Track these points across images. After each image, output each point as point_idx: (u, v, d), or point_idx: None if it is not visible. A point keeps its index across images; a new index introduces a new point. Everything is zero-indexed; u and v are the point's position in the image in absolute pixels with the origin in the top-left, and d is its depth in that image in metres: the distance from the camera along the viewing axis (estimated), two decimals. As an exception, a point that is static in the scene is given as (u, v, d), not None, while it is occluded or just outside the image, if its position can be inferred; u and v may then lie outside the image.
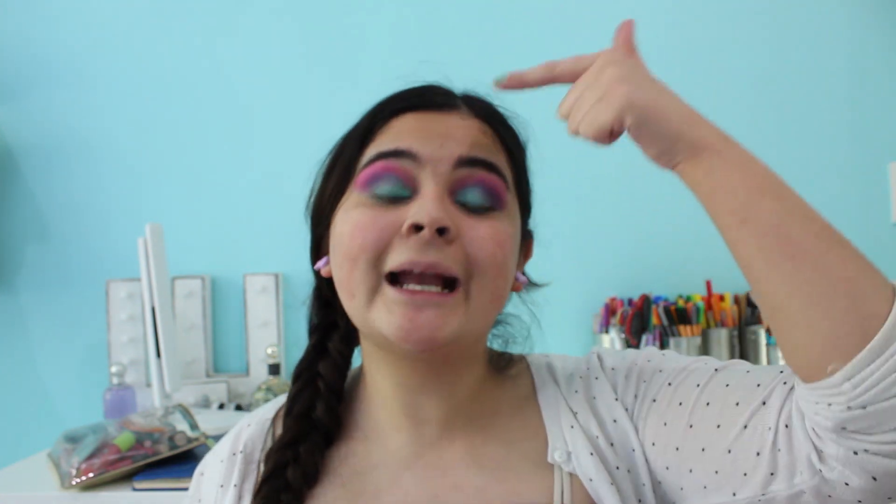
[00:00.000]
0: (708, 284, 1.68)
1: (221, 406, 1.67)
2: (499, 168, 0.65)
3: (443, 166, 0.63)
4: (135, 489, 1.16)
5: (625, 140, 0.61)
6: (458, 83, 0.72)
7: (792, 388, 0.55)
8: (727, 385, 0.60)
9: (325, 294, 0.72)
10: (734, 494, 0.57)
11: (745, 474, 0.56)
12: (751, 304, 1.65)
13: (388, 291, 0.60)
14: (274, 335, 1.73)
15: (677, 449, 0.61)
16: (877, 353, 0.49)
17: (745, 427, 0.56)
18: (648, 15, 1.76)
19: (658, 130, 0.57)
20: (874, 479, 0.50)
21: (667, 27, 1.76)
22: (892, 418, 0.49)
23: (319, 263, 0.69)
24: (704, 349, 1.63)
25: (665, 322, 1.56)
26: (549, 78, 0.62)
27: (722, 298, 1.66)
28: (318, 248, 0.71)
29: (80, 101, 1.80)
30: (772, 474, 0.54)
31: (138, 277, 1.50)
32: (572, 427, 0.66)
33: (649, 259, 1.74)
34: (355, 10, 1.78)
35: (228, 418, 1.52)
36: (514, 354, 0.75)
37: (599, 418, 0.66)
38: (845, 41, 1.75)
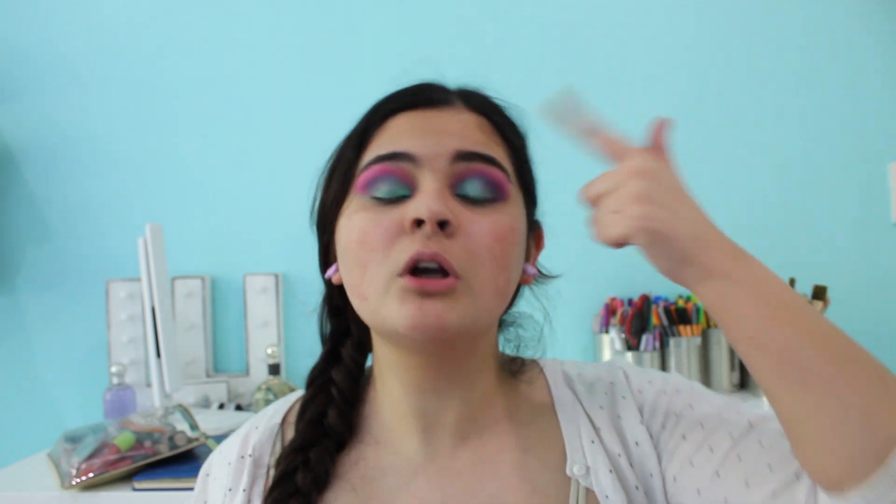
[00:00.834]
0: (708, 284, 1.68)
1: (221, 406, 1.67)
2: (497, 160, 0.64)
3: (440, 162, 0.62)
4: (135, 489, 1.16)
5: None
6: (459, 82, 0.71)
7: None
8: (761, 444, 0.60)
9: (336, 302, 0.72)
10: None
11: None
12: (751, 304, 1.65)
13: (400, 283, 0.60)
14: (274, 335, 1.73)
15: (699, 492, 0.61)
16: (893, 475, 0.50)
17: (775, 495, 0.57)
18: (648, 15, 1.77)
19: (668, 253, 0.58)
20: None
21: (666, 27, 1.76)
22: None
23: (329, 272, 0.69)
24: (704, 349, 1.63)
25: (665, 322, 1.56)
26: (588, 137, 0.64)
27: (722, 298, 1.66)
28: (326, 255, 0.71)
29: (81, 102, 1.80)
30: None
31: (138, 277, 1.50)
32: (593, 442, 0.65)
33: (649, 259, 1.74)
34: (355, 9, 1.78)
35: (228, 418, 1.52)
36: (527, 359, 0.74)
37: (623, 438, 0.66)
38: (845, 41, 1.75)
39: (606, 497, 0.62)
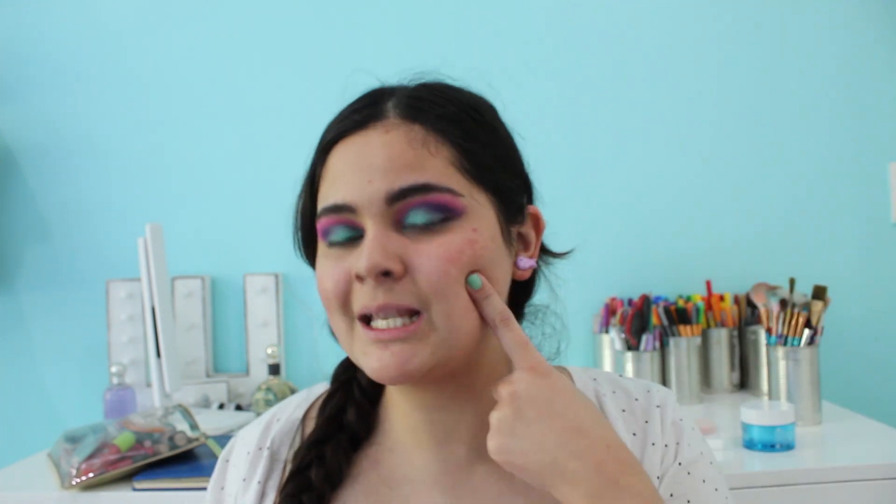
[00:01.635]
0: (708, 284, 1.68)
1: (221, 406, 1.67)
2: (434, 184, 0.61)
3: (376, 207, 0.61)
4: (135, 489, 1.16)
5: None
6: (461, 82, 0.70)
7: None
8: None
9: None
10: None
11: None
12: (750, 304, 1.65)
13: (360, 332, 0.62)
14: (274, 335, 1.73)
15: None
16: None
17: None
18: (648, 15, 1.76)
19: (530, 480, 0.58)
20: None
21: (666, 27, 1.76)
22: None
23: None
24: (704, 349, 1.63)
25: (665, 322, 1.56)
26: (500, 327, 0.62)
27: (722, 298, 1.67)
28: None
29: (80, 102, 1.80)
30: None
31: (138, 277, 1.50)
32: None
33: (649, 259, 1.74)
34: (355, 9, 1.78)
35: (228, 418, 1.53)
36: (555, 367, 0.72)
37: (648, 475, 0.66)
38: (845, 41, 1.75)
39: None
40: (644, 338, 1.52)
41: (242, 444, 0.73)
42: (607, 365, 1.63)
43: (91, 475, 1.16)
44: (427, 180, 0.61)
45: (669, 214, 1.74)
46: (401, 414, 0.68)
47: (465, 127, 0.64)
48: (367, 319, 0.61)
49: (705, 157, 1.75)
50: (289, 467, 0.69)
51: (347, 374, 0.72)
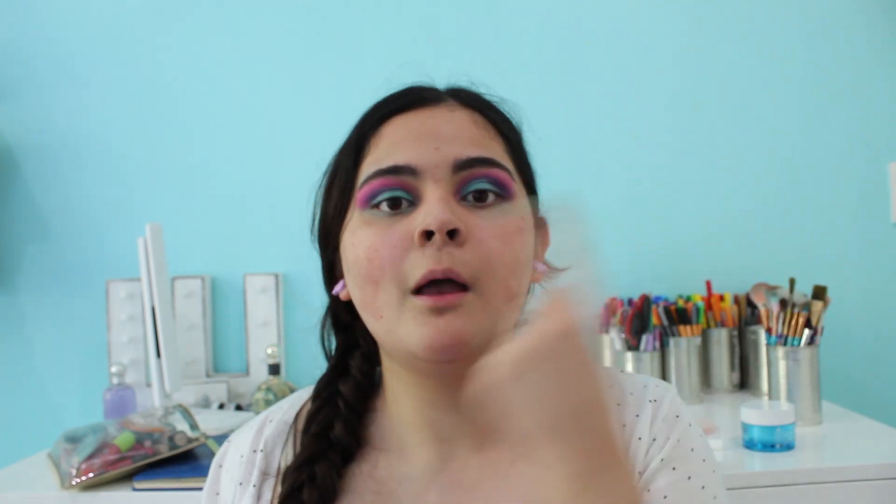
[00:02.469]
0: (708, 284, 1.68)
1: (221, 406, 1.67)
2: (498, 160, 0.63)
3: (441, 171, 0.61)
4: (135, 489, 1.16)
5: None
6: (454, 81, 0.71)
7: None
8: None
9: (343, 317, 0.71)
10: None
11: None
12: (750, 304, 1.65)
13: (414, 301, 0.59)
14: (274, 335, 1.73)
15: None
16: None
17: None
18: (648, 13, 1.76)
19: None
20: None
21: (666, 27, 1.76)
22: None
23: (337, 288, 0.68)
24: (704, 349, 1.63)
25: (665, 322, 1.56)
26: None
27: (722, 298, 1.66)
28: (331, 271, 0.70)
29: (81, 102, 1.80)
30: None
31: (138, 277, 1.50)
32: None
33: (649, 259, 1.74)
34: (355, 9, 1.78)
35: (228, 418, 1.52)
36: None
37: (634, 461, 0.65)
38: (845, 41, 1.75)
39: None
40: (644, 338, 1.52)
41: (235, 449, 0.72)
42: (607, 365, 1.63)
43: (91, 475, 1.16)
44: (492, 155, 0.63)
45: (669, 214, 1.74)
46: (403, 414, 0.68)
47: (511, 124, 0.69)
48: (417, 291, 0.60)
49: (705, 157, 1.75)
50: (283, 470, 0.68)
51: (329, 389, 0.71)
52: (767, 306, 1.41)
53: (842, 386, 1.63)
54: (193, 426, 1.26)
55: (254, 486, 0.68)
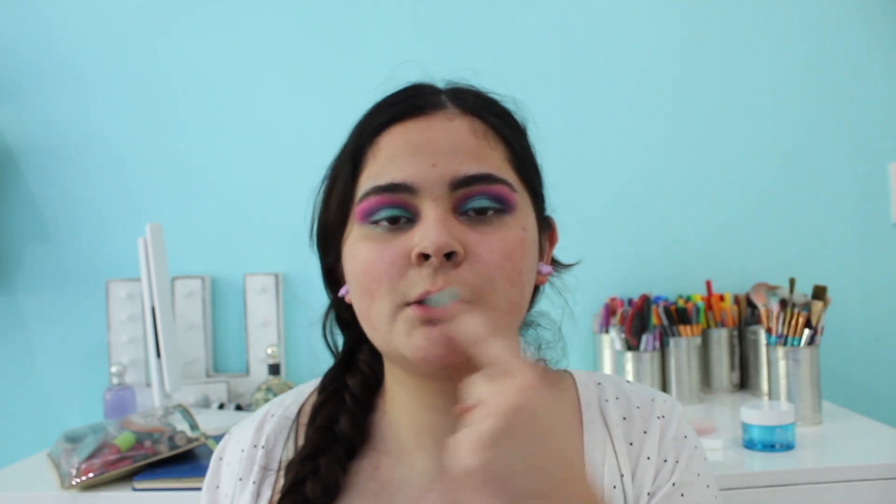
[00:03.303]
0: (708, 284, 1.68)
1: (221, 406, 1.67)
2: (496, 175, 0.62)
3: (439, 189, 0.61)
4: (135, 489, 1.16)
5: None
6: (451, 78, 0.70)
7: None
8: None
9: (345, 315, 0.71)
10: None
11: None
12: (750, 304, 1.65)
13: (408, 313, 0.60)
14: (274, 335, 1.73)
15: None
16: None
17: None
18: (646, 13, 1.76)
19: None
20: None
21: (666, 26, 1.76)
22: None
23: (342, 291, 0.68)
24: (704, 349, 1.63)
25: (665, 322, 1.56)
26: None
27: (722, 298, 1.66)
28: (331, 274, 0.70)
29: (80, 101, 1.80)
30: None
31: (138, 277, 1.50)
32: (615, 488, 0.64)
33: (649, 259, 1.74)
34: (355, 8, 1.78)
35: (228, 418, 1.52)
36: (558, 371, 0.72)
37: (641, 482, 0.65)
38: (845, 41, 1.75)
39: None
40: (644, 338, 1.52)
41: (236, 442, 0.72)
42: (607, 365, 1.63)
43: (91, 475, 1.16)
44: (490, 171, 0.62)
45: (670, 214, 1.74)
46: (404, 418, 0.68)
47: (514, 129, 0.67)
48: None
49: (705, 156, 1.75)
50: (283, 467, 0.68)
51: (336, 383, 0.71)
52: (767, 306, 1.41)
53: (842, 386, 1.63)
54: (193, 426, 1.26)
55: (253, 482, 0.68)
